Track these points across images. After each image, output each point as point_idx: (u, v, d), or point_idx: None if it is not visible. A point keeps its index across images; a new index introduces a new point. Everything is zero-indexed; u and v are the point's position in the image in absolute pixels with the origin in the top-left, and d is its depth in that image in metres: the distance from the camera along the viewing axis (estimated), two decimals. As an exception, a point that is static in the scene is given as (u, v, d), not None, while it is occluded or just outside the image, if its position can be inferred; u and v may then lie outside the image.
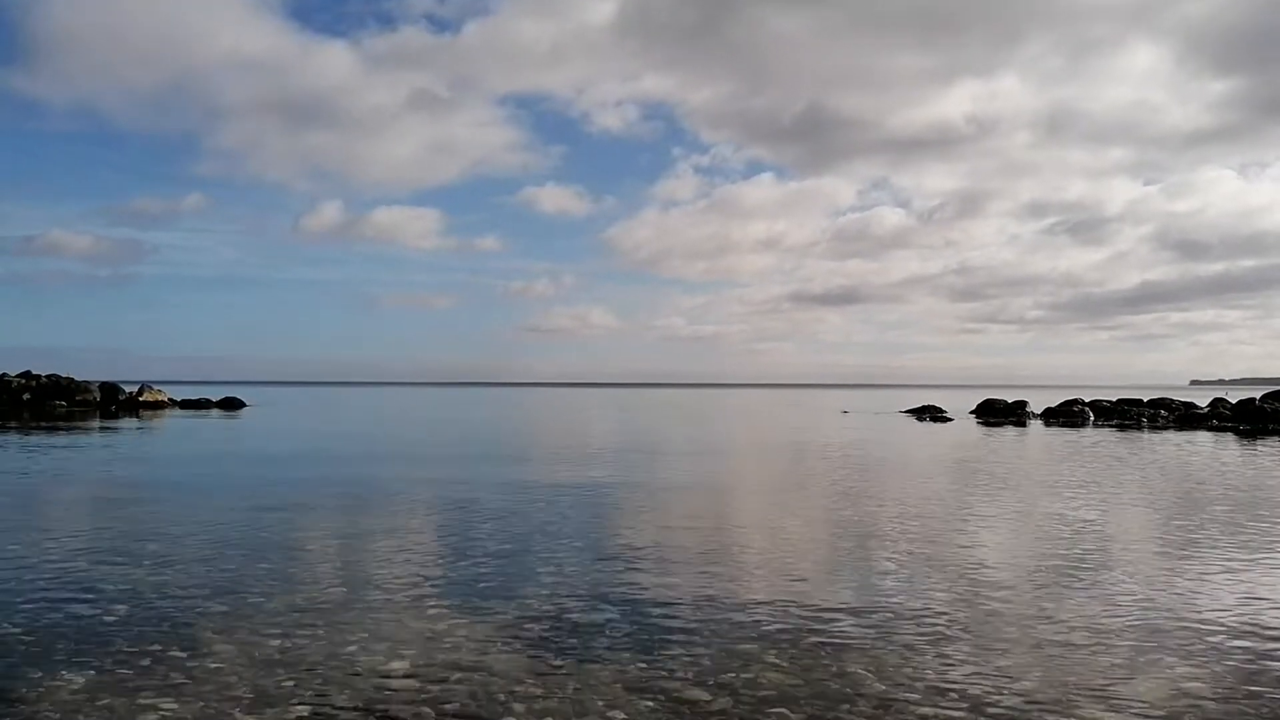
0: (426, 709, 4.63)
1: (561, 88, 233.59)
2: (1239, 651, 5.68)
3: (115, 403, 48.16)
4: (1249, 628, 6.20)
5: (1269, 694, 4.92)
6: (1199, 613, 6.60)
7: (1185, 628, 6.21)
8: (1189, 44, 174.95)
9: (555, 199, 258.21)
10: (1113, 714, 4.61)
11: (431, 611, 6.53)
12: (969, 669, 5.28)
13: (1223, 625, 6.26)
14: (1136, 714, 4.62)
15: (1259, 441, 26.18)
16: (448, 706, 4.67)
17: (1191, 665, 5.41)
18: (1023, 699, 4.80)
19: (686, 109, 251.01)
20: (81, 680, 5.03)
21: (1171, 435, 29.33)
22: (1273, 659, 5.52)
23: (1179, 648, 5.75)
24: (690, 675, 5.15)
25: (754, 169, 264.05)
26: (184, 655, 5.46)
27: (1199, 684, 5.07)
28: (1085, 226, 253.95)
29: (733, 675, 5.15)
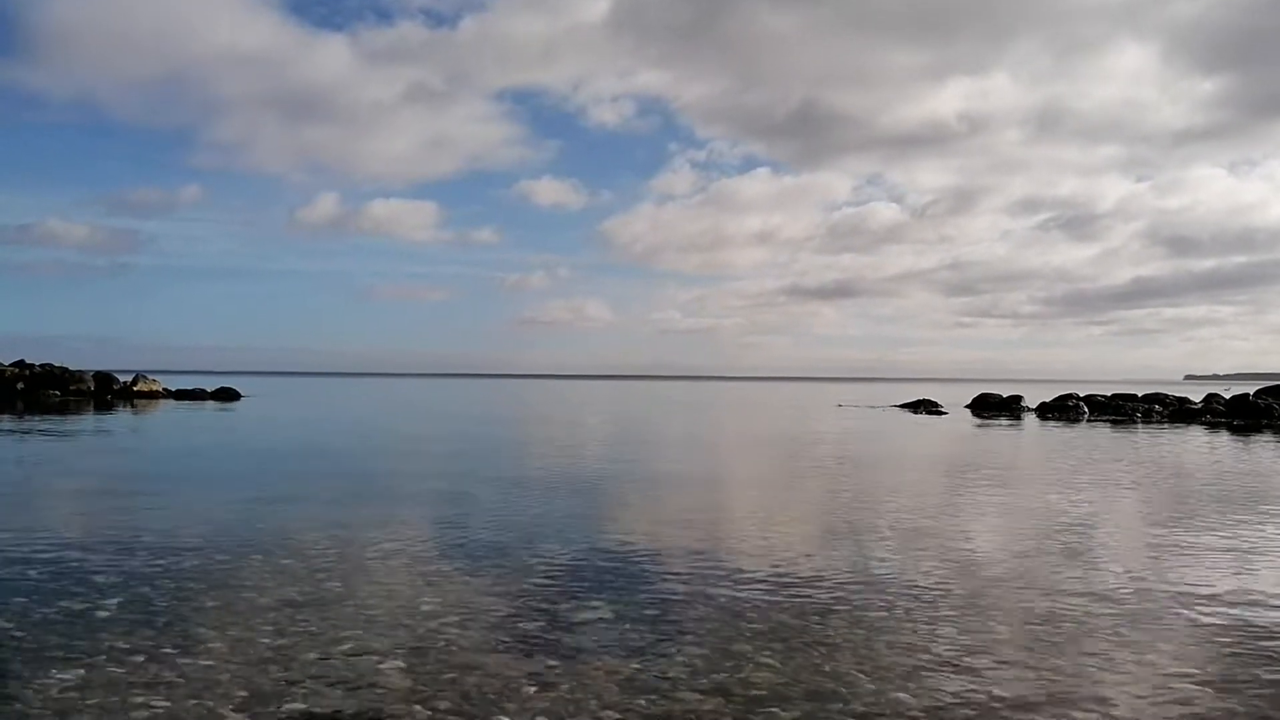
0: (419, 708, 4.63)
1: (557, 83, 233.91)
2: (1229, 643, 5.69)
3: (110, 392, 48.05)
4: (1239, 620, 6.22)
5: (1259, 684, 4.93)
6: (1191, 605, 6.61)
7: (1177, 620, 6.22)
8: (1176, 44, 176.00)
9: (551, 192, 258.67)
10: (1105, 710, 4.61)
11: (425, 608, 6.52)
12: (962, 666, 5.29)
13: (1213, 617, 6.28)
14: (1129, 708, 4.62)
15: (1253, 437, 26.24)
16: (441, 705, 4.66)
17: (1183, 658, 5.42)
18: (1016, 696, 4.81)
19: (682, 104, 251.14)
20: (72, 677, 5.01)
21: (1166, 430, 29.39)
22: (1263, 650, 5.54)
23: (1171, 641, 5.76)
24: (683, 674, 5.15)
25: (749, 164, 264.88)
26: (176, 651, 5.44)
27: (1191, 675, 5.07)
28: (1077, 222, 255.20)
29: (725, 675, 5.15)
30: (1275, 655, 5.59)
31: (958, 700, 4.78)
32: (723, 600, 6.82)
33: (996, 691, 4.92)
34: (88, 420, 30.24)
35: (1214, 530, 10.18)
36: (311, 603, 6.60)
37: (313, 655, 5.40)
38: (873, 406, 48.79)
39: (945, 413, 40.47)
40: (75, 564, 7.84)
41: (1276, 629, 6.17)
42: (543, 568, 7.92)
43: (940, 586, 7.33)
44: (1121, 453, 20.89)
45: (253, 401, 47.07)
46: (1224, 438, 26.08)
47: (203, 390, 51.36)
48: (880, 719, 4.55)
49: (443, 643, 5.69)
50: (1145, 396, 41.01)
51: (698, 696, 4.82)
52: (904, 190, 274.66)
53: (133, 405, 41.17)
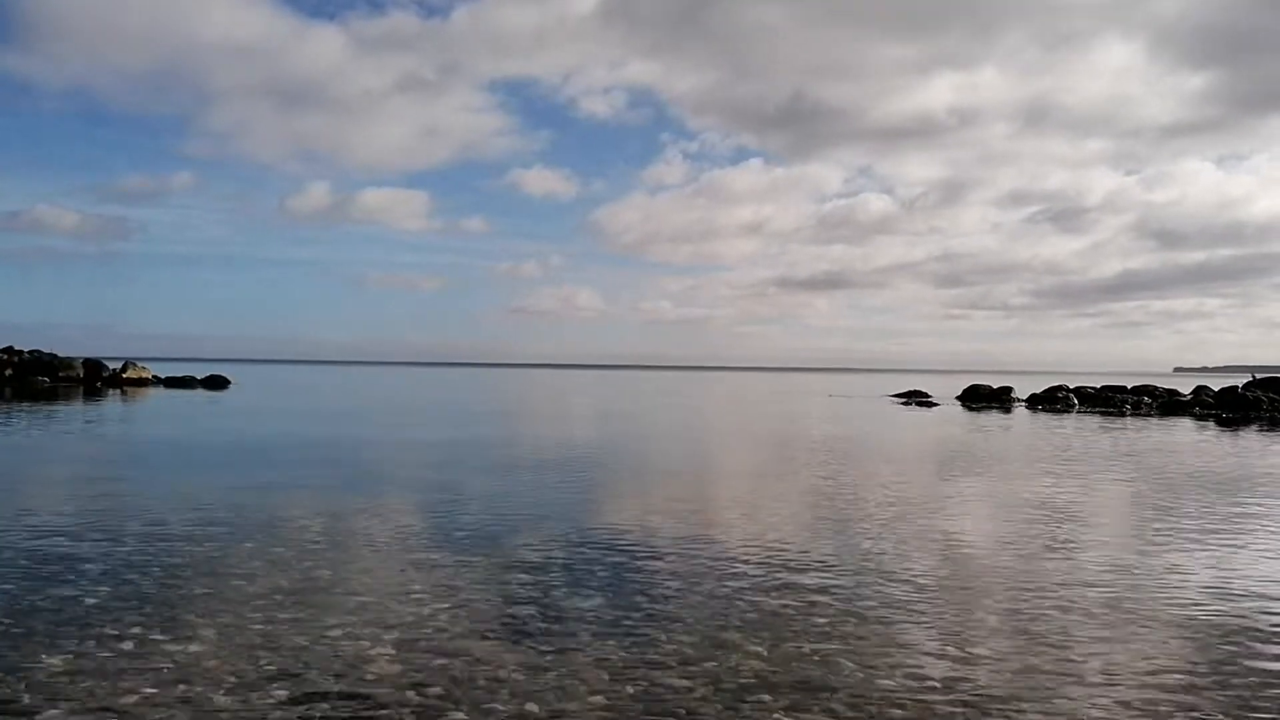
0: (410, 694, 4.63)
1: (548, 73, 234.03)
2: (1211, 631, 5.74)
3: (99, 379, 47.86)
4: (1221, 610, 6.26)
5: (1240, 673, 4.97)
6: (1174, 594, 6.65)
7: (1160, 609, 6.26)
8: (1162, 39, 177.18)
9: (542, 181, 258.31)
10: (1090, 698, 4.64)
11: (415, 595, 6.52)
12: (949, 656, 5.31)
13: (1196, 606, 6.32)
14: (1114, 696, 4.65)
15: (1240, 429, 26.38)
16: (430, 691, 4.67)
17: (1168, 647, 5.45)
18: (1001, 684, 4.83)
19: (673, 95, 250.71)
20: (60, 662, 5.00)
21: (1154, 422, 29.52)
22: (1242, 638, 5.58)
23: (1156, 630, 5.80)
24: (673, 662, 5.16)
25: (741, 155, 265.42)
26: (165, 638, 5.43)
27: (1175, 664, 5.11)
28: (1066, 215, 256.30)
29: (715, 663, 5.17)
30: (1257, 644, 5.63)
31: (944, 689, 4.81)
32: (712, 588, 6.83)
33: (983, 680, 4.94)
34: (76, 407, 30.11)
35: (1197, 522, 10.24)
36: (301, 590, 6.59)
37: (302, 642, 5.40)
38: (864, 397, 48.89)
39: (936, 404, 40.58)
40: (64, 551, 7.81)
41: (1258, 619, 6.21)
42: (533, 555, 7.92)
43: (927, 576, 7.36)
44: (1110, 444, 20.99)
45: (242, 389, 46.92)
46: (1212, 430, 26.22)
47: (192, 378, 51.17)
48: (868, 707, 4.57)
49: (432, 629, 5.70)
50: (1134, 388, 41.20)
51: (687, 683, 4.83)
52: (894, 182, 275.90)
53: (122, 392, 40.99)
